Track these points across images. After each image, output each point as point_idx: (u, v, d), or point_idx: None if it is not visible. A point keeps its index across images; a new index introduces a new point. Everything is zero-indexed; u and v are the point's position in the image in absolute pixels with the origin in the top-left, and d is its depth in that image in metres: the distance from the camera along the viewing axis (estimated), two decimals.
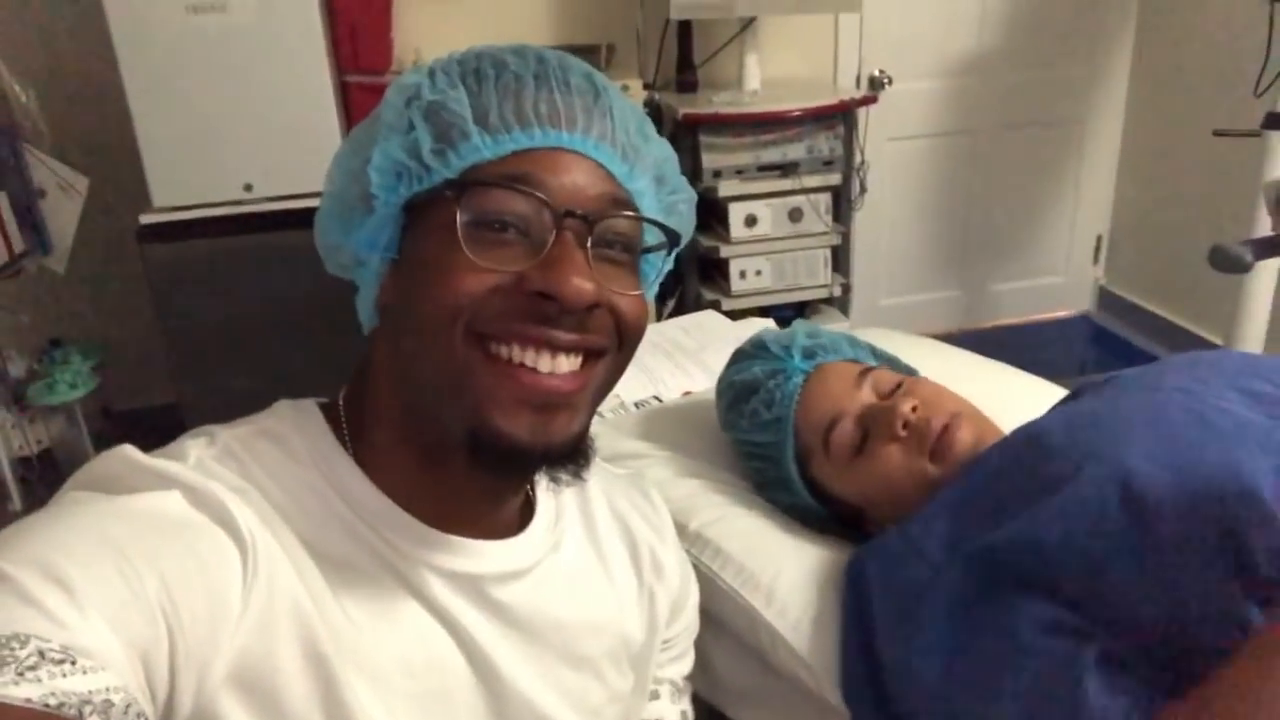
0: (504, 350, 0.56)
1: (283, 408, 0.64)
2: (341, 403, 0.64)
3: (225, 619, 0.50)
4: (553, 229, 0.56)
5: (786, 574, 0.95)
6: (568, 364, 0.57)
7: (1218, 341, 2.66)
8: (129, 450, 0.55)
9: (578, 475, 0.63)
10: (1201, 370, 0.90)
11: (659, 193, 0.65)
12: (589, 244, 0.57)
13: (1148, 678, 0.70)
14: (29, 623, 0.42)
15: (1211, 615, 0.69)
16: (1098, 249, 3.44)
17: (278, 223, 2.06)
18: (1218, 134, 2.34)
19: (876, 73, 2.99)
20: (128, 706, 0.42)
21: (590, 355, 0.59)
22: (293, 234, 2.02)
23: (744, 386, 1.05)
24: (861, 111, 2.68)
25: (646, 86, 2.60)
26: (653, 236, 0.64)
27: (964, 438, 0.92)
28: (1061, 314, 3.49)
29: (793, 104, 2.50)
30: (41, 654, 0.41)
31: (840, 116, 2.55)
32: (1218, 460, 0.77)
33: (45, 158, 2.09)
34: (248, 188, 2.05)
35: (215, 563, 0.51)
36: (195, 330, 2.09)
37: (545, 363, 0.57)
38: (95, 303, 2.59)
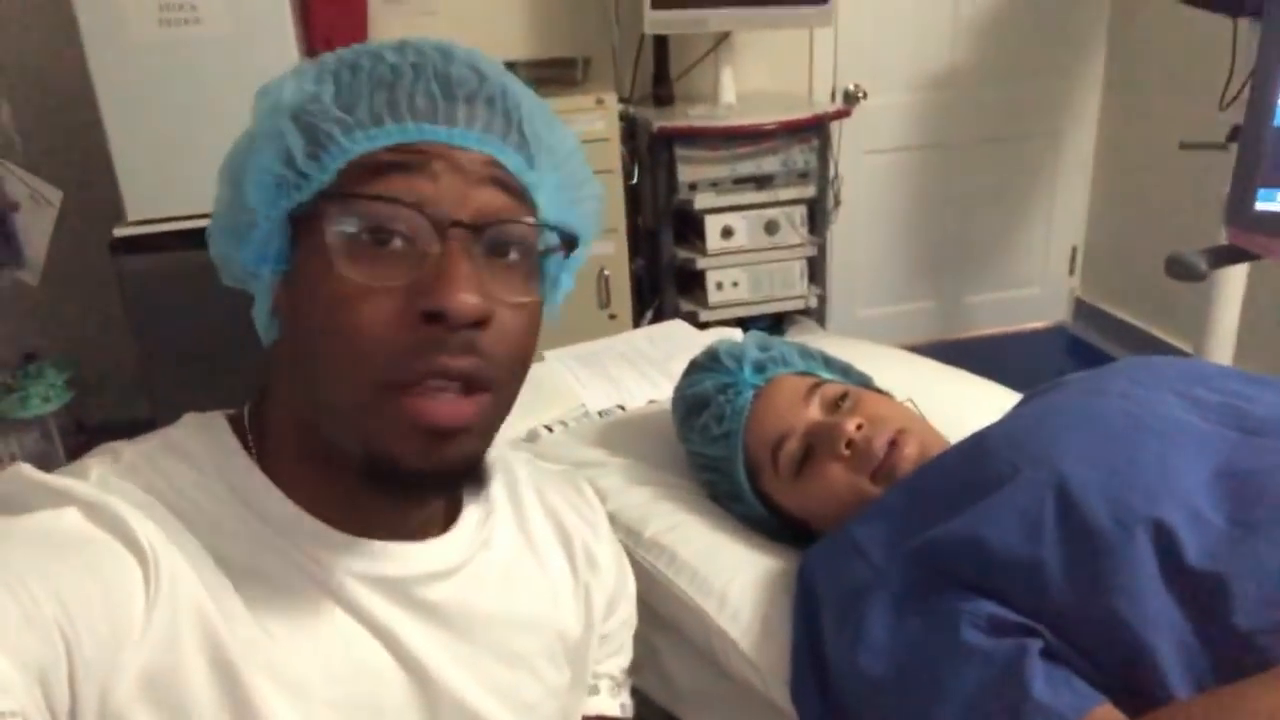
0: (398, 391, 0.54)
1: (188, 420, 0.63)
2: (246, 414, 0.63)
3: (127, 634, 0.49)
4: (437, 240, 0.53)
5: (739, 580, 0.96)
6: (450, 392, 0.55)
7: (1189, 350, 2.69)
8: (25, 469, 0.54)
9: (475, 495, 0.62)
10: (1144, 375, 0.91)
11: (561, 187, 0.62)
12: (481, 253, 0.55)
13: (1094, 681, 0.71)
14: None
15: (1149, 619, 0.70)
16: (1073, 260, 3.47)
17: None
18: (1184, 147, 2.37)
19: (851, 86, 3.02)
20: None
21: (475, 380, 0.56)
22: None
23: (695, 400, 1.06)
24: (836, 125, 2.70)
25: (623, 100, 2.62)
26: (553, 237, 0.61)
27: (909, 455, 0.93)
28: (1038, 325, 3.51)
29: (768, 117, 2.52)
30: None
31: (815, 130, 2.58)
32: (1151, 463, 0.79)
33: (18, 170, 2.08)
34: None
35: (115, 578, 0.50)
36: (170, 343, 2.08)
37: (439, 395, 0.54)
38: (69, 316, 2.58)
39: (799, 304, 2.69)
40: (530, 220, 0.58)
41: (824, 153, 2.63)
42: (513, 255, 0.57)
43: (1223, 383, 0.88)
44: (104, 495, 0.53)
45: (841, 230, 2.98)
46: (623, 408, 1.34)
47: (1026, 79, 3.18)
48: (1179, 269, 1.34)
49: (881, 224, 3.24)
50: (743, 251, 2.59)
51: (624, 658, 0.83)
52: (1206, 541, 0.72)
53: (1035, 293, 3.48)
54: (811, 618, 0.89)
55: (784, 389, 1.01)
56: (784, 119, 2.52)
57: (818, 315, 2.79)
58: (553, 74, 2.55)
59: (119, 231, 2.02)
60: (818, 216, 2.67)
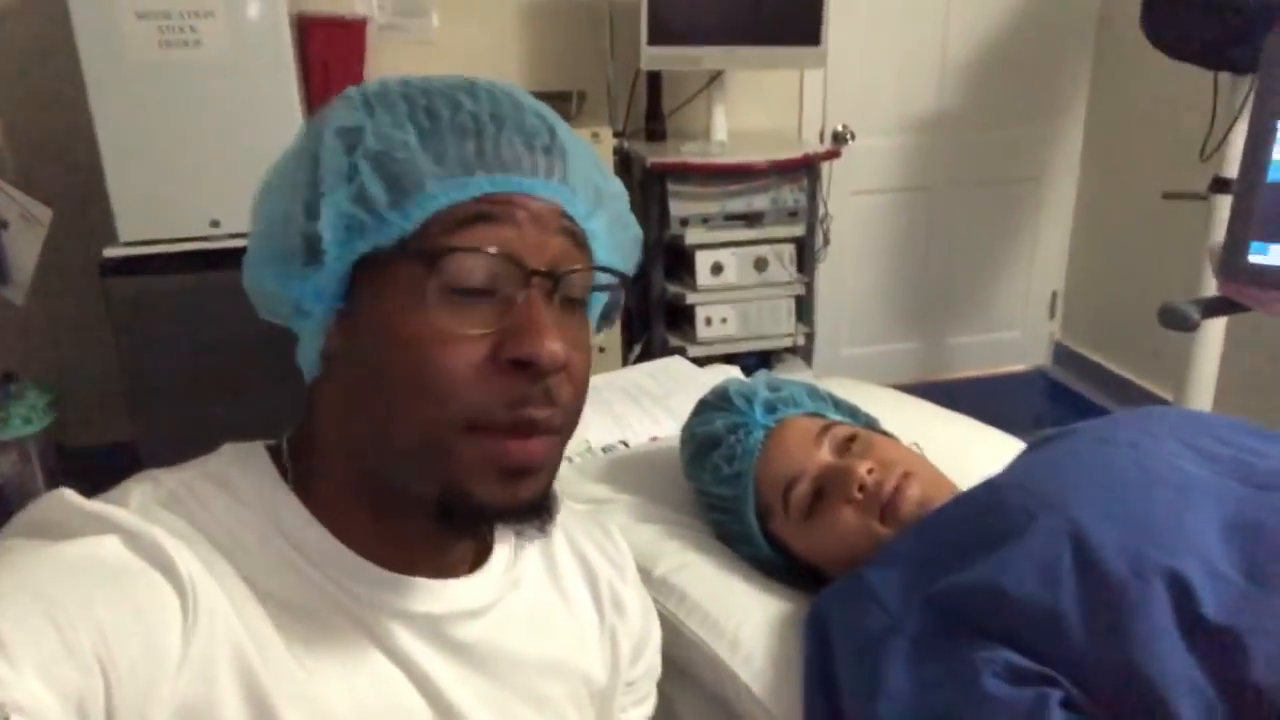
0: (487, 436, 0.55)
1: (228, 451, 0.62)
2: (286, 446, 0.63)
3: (165, 666, 0.49)
4: (523, 288, 0.55)
5: (751, 622, 0.95)
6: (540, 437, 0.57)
7: (1168, 397, 2.73)
8: (67, 494, 0.54)
9: (543, 530, 0.61)
10: (1152, 425, 0.93)
11: (610, 230, 0.63)
12: (554, 300, 0.57)
13: None
14: None
15: (1167, 672, 0.71)
16: (1053, 304, 3.52)
17: (244, 260, 2.04)
18: (1167, 196, 2.42)
19: (840, 127, 3.06)
20: None
21: (551, 426, 0.57)
22: None
23: (706, 439, 1.06)
24: (825, 165, 2.74)
25: (616, 134, 2.64)
26: (605, 278, 0.63)
27: (912, 495, 0.94)
28: (1018, 368, 3.55)
29: (759, 155, 2.55)
30: None
31: (804, 169, 2.61)
32: (1165, 515, 0.80)
33: (8, 188, 2.06)
34: (214, 224, 2.04)
35: (154, 609, 0.50)
36: (155, 367, 2.06)
37: (513, 437, 0.56)
38: (53, 337, 2.55)
39: (787, 341, 2.71)
40: (591, 265, 0.60)
41: (813, 192, 2.66)
42: (578, 300, 0.59)
43: (1231, 435, 0.89)
44: (145, 524, 0.53)
45: (828, 269, 3.00)
46: (626, 444, 1.34)
47: (1011, 124, 3.25)
48: (1171, 319, 1.36)
49: (866, 264, 3.28)
50: (732, 288, 2.60)
51: (648, 707, 0.83)
52: (1223, 596, 0.73)
53: (1016, 336, 3.53)
54: (825, 662, 0.89)
55: (795, 430, 1.01)
56: (775, 158, 2.55)
57: (804, 353, 2.81)
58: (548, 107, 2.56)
59: (109, 252, 2.01)
60: (806, 255, 2.70)
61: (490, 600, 0.65)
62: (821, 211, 2.76)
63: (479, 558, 0.67)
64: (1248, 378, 2.58)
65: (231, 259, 2.29)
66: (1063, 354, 3.51)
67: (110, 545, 0.51)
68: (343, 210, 0.55)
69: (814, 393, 1.09)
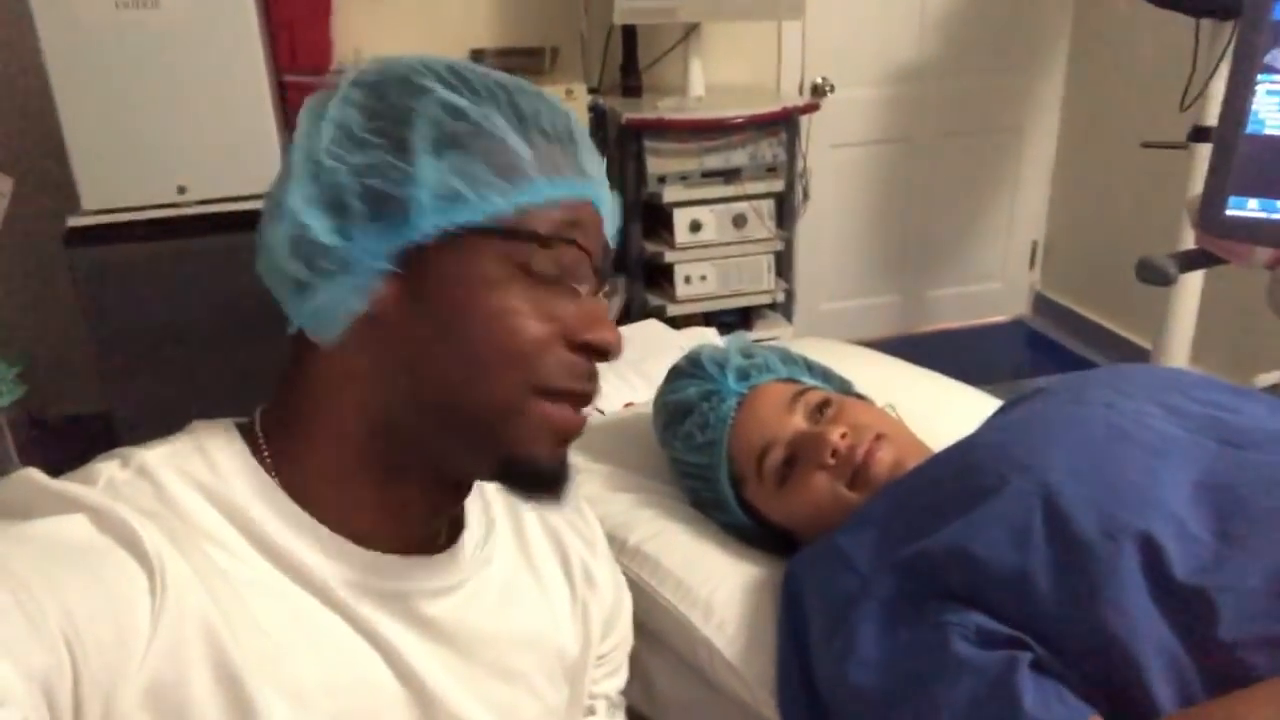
0: (551, 401, 0.60)
1: (198, 427, 0.62)
2: (260, 421, 0.63)
3: (133, 644, 0.49)
4: (594, 283, 0.62)
5: (724, 589, 0.95)
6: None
7: (1147, 346, 2.74)
8: (34, 474, 0.54)
9: (559, 499, 0.64)
10: (1125, 384, 0.92)
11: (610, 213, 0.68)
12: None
13: (1081, 693, 0.71)
14: None
15: (1137, 632, 0.71)
16: (1033, 255, 3.52)
17: (212, 226, 2.00)
18: (1146, 146, 2.41)
19: (819, 80, 3.02)
20: None
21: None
22: (227, 238, 1.98)
23: (678, 407, 1.05)
24: (804, 118, 2.70)
25: (591, 91, 2.60)
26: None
27: (883, 459, 0.94)
28: (998, 319, 3.56)
29: (737, 110, 2.51)
30: None
31: (783, 123, 2.58)
32: (1136, 475, 0.79)
33: None
34: (181, 190, 2.00)
35: (121, 588, 0.50)
36: (126, 336, 2.03)
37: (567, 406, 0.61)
38: (21, 308, 2.51)
39: (766, 298, 2.70)
40: (614, 249, 0.67)
41: (792, 146, 2.62)
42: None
43: (1204, 393, 0.89)
44: (111, 503, 0.53)
45: (807, 224, 2.98)
46: (601, 411, 1.33)
47: (991, 74, 3.21)
48: (1149, 273, 1.35)
49: (846, 218, 3.26)
50: (711, 245, 2.58)
51: (620, 679, 0.83)
52: (1192, 556, 0.73)
53: (996, 287, 3.52)
54: (798, 627, 0.89)
55: (768, 397, 1.00)
56: (753, 113, 2.52)
57: (784, 309, 2.80)
58: (520, 63, 2.51)
59: (73, 221, 1.96)
60: (785, 210, 2.68)
61: (460, 578, 0.66)
62: (801, 166, 2.73)
63: (451, 536, 0.68)
64: (1225, 327, 2.59)
65: (200, 226, 2.24)
66: (1043, 304, 3.52)
67: (77, 524, 0.51)
68: (445, 180, 0.57)
69: (787, 357, 1.08)
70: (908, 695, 0.77)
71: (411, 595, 0.63)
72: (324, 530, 0.60)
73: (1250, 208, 1.23)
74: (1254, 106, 1.21)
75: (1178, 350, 2.48)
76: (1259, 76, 1.21)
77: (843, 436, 0.94)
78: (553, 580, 0.75)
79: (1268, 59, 1.20)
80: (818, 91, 3.00)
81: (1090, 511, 0.76)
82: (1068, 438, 0.84)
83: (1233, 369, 2.66)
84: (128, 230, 1.98)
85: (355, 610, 0.60)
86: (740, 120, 2.50)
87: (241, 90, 1.99)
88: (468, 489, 0.67)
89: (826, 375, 1.10)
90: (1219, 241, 1.29)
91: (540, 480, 0.62)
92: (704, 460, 1.02)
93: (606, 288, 0.65)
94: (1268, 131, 1.23)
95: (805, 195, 2.85)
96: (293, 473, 0.60)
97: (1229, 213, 1.24)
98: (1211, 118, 2.29)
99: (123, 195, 1.97)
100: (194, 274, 2.02)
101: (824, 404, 0.99)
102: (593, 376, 0.62)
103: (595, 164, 0.64)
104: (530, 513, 0.76)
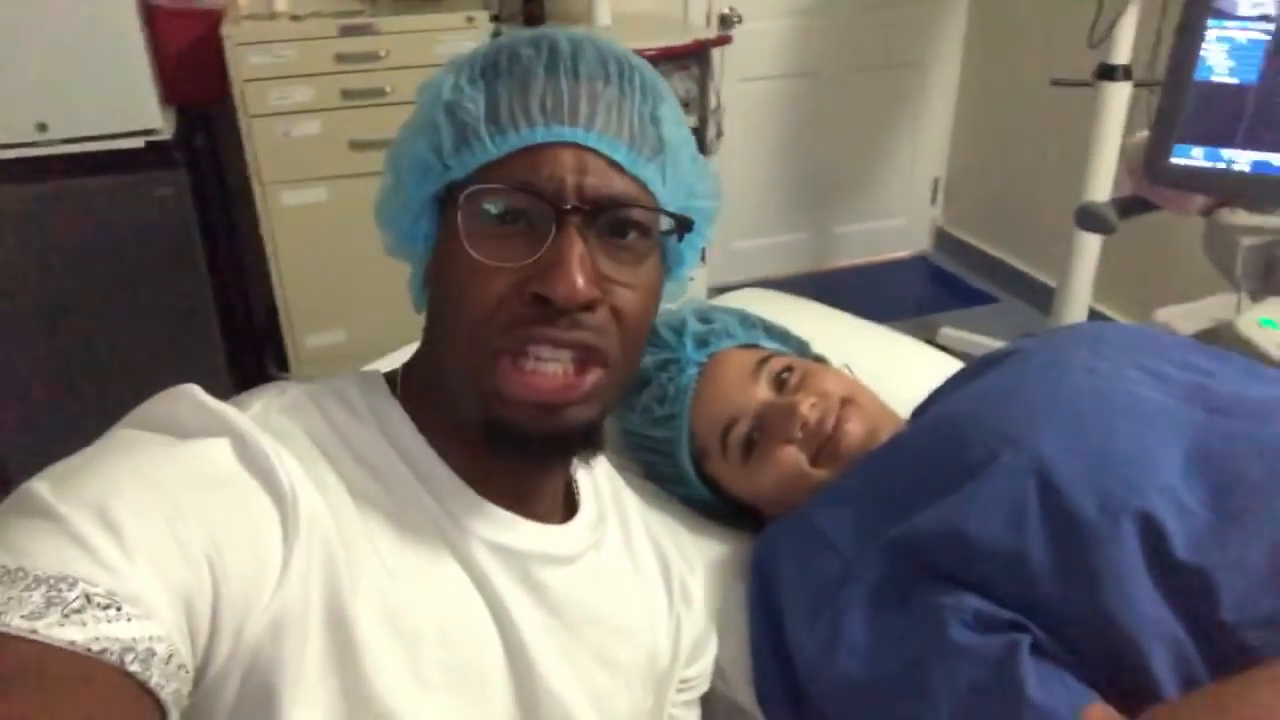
0: (508, 359, 0.58)
1: (350, 373, 0.66)
2: (401, 371, 0.66)
3: (267, 578, 0.50)
4: (553, 225, 0.56)
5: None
6: (560, 364, 0.58)
7: (1050, 282, 2.80)
8: (195, 390, 0.55)
9: (586, 460, 0.67)
10: (1101, 345, 0.89)
11: (676, 174, 0.63)
12: (596, 235, 0.58)
13: (1081, 676, 0.69)
14: (77, 565, 0.43)
15: (1138, 614, 0.68)
16: (935, 190, 3.54)
17: (78, 167, 1.84)
18: (1055, 83, 2.41)
19: (727, 10, 2.93)
20: (170, 656, 0.43)
21: (587, 354, 0.59)
22: (95, 179, 1.86)
23: (634, 377, 0.98)
24: (717, 52, 2.61)
25: (493, 18, 2.44)
26: (669, 221, 0.63)
27: (853, 430, 0.90)
28: (901, 254, 3.59)
29: (646, 43, 2.41)
30: (88, 598, 0.42)
31: (696, 57, 2.49)
32: (1129, 448, 0.76)
33: None
34: (42, 127, 1.84)
35: (259, 520, 0.51)
36: None
37: (544, 365, 0.58)
38: None
39: None
40: (645, 205, 0.60)
41: (704, 81, 2.54)
42: (631, 236, 0.59)
43: (1182, 355, 0.86)
44: (255, 430, 0.54)
45: (717, 161, 2.91)
46: None
47: (896, 7, 3.18)
48: (1089, 220, 1.34)
49: (755, 155, 3.20)
50: None
51: (694, 715, 0.82)
52: (1192, 534, 0.71)
53: (899, 223, 3.55)
54: (772, 609, 0.85)
55: (730, 365, 0.94)
56: (665, 45, 2.42)
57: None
58: None
59: None
60: (699, 147, 2.60)
61: (575, 552, 0.67)
62: (714, 102, 2.65)
63: (568, 514, 0.70)
64: (1128, 263, 2.66)
65: (63, 166, 2.04)
66: (944, 240, 3.56)
67: (221, 450, 0.52)
68: (418, 154, 0.60)
69: (745, 320, 1.02)
70: (903, 683, 0.73)
71: (529, 556, 0.63)
72: (453, 475, 0.62)
73: (1194, 156, 1.22)
74: (1203, 53, 1.19)
75: (1079, 286, 2.54)
76: (1209, 21, 1.20)
77: (811, 406, 0.89)
78: (653, 583, 0.75)
79: (1219, 3, 1.19)
80: (726, 22, 2.91)
81: (1086, 488, 0.73)
82: (1055, 407, 0.81)
83: (1133, 305, 2.74)
84: None
85: (475, 558, 0.61)
86: (652, 54, 2.39)
87: (106, 17, 1.83)
88: (528, 456, 0.63)
89: (785, 337, 1.05)
90: (1161, 190, 1.29)
91: (529, 443, 0.59)
92: (664, 434, 0.96)
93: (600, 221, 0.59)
94: (1215, 78, 1.22)
95: (719, 132, 2.77)
96: (424, 419, 0.63)
97: (1173, 160, 1.23)
98: (1121, 55, 2.31)
99: None
100: (57, 218, 1.87)
101: (787, 369, 0.94)
102: (546, 320, 0.56)
103: (572, 100, 0.58)
104: (637, 520, 0.77)
